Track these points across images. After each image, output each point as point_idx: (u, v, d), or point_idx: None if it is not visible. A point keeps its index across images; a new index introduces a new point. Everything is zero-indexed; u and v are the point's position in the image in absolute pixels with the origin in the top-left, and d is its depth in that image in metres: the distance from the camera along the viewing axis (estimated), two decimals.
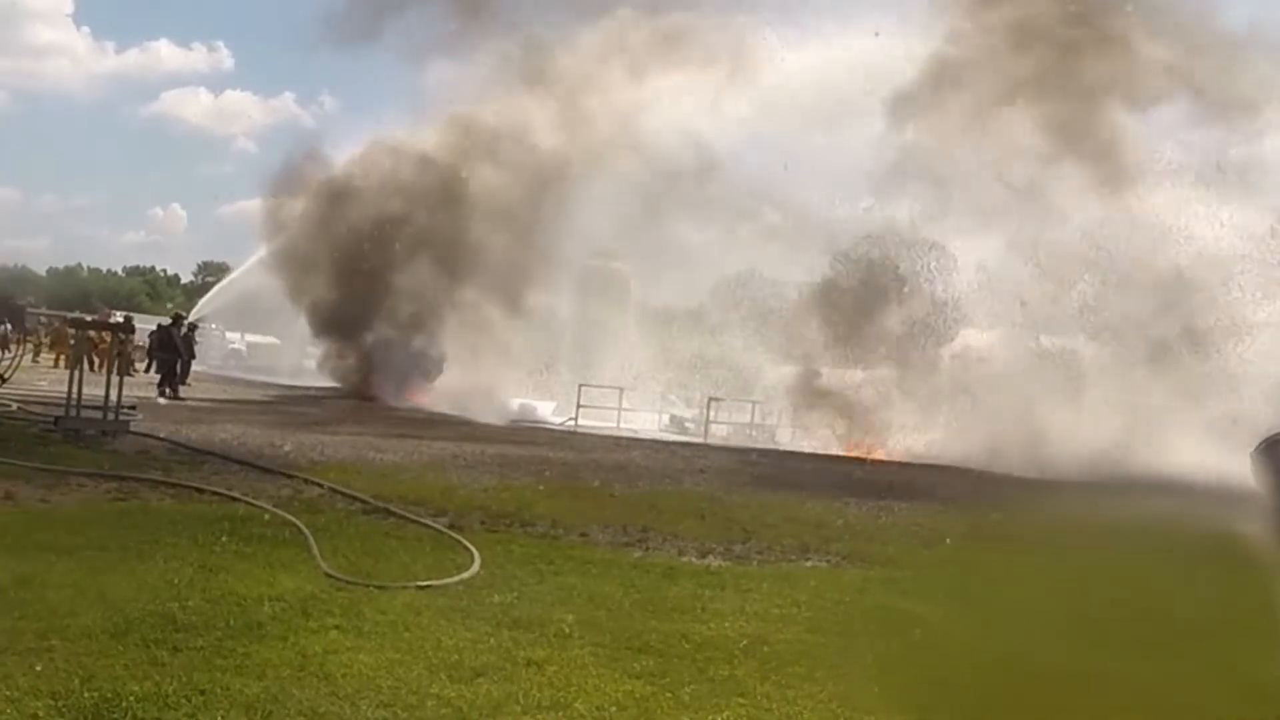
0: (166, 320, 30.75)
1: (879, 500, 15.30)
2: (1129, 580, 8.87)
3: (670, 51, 32.09)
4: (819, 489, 16.35)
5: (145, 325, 33.11)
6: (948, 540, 14.43)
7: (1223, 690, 6.12)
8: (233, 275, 43.78)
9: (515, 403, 29.73)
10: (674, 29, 32.69)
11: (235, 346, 47.75)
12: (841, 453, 25.40)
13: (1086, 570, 9.53)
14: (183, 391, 25.67)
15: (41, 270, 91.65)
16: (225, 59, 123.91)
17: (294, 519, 9.76)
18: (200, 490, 11.27)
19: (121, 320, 25.93)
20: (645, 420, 30.23)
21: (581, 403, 29.12)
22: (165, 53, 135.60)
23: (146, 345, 31.02)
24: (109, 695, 5.06)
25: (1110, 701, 6.16)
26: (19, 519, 9.24)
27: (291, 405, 26.12)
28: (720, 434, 27.70)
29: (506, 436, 21.45)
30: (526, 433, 23.33)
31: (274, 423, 19.81)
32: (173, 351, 26.44)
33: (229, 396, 27.17)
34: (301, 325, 35.60)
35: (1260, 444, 1.90)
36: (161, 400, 23.72)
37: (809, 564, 10.24)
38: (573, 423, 28.06)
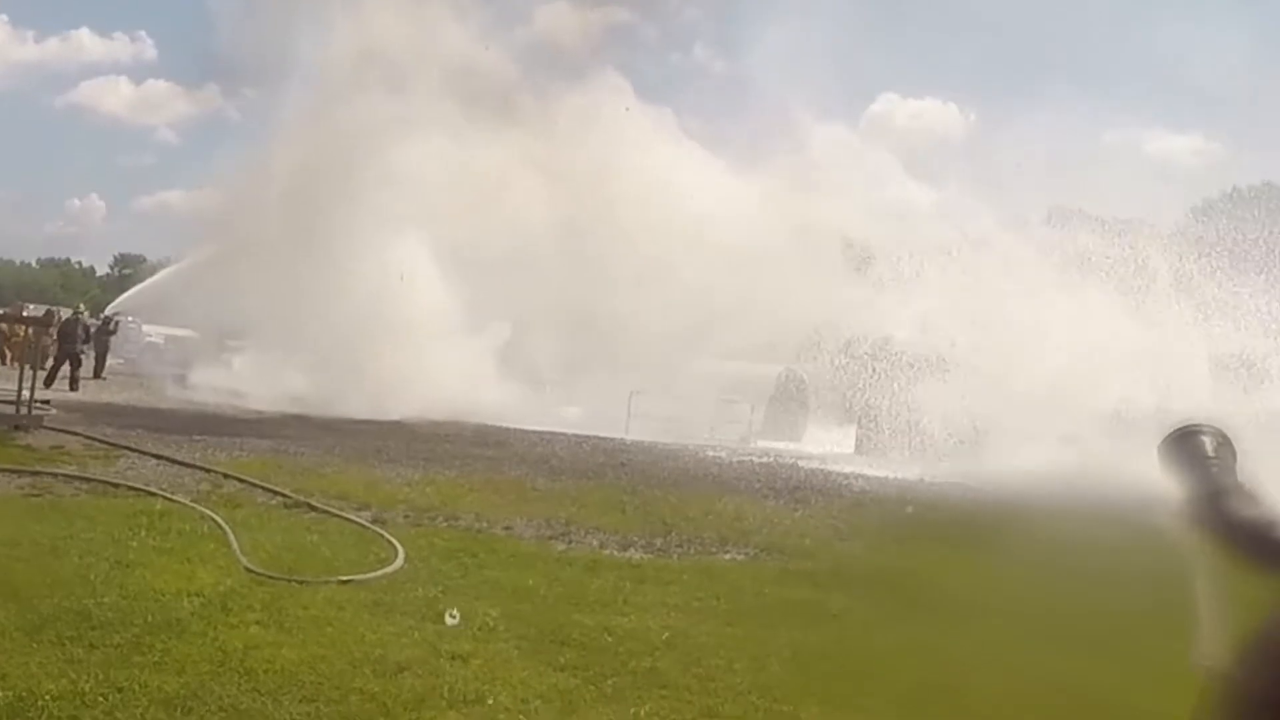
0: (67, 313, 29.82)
1: (793, 495, 15.53)
2: (1051, 573, 9.14)
3: None
4: (736, 484, 16.52)
5: None
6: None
7: (1141, 680, 6.25)
8: (167, 270, 41.49)
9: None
10: None
11: (152, 340, 46.64)
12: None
13: (1008, 564, 9.83)
14: (96, 386, 25.07)
15: None
16: (148, 48, 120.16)
17: (213, 513, 9.66)
18: (116, 485, 11.09)
19: (41, 314, 25.27)
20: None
21: None
22: (86, 41, 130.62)
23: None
24: (23, 694, 5.00)
25: (1025, 692, 6.34)
26: None
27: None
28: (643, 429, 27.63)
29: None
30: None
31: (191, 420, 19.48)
32: (71, 343, 25.72)
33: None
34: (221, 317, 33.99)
35: (1168, 436, 2.01)
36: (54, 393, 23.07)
37: (728, 557, 10.39)
38: None
